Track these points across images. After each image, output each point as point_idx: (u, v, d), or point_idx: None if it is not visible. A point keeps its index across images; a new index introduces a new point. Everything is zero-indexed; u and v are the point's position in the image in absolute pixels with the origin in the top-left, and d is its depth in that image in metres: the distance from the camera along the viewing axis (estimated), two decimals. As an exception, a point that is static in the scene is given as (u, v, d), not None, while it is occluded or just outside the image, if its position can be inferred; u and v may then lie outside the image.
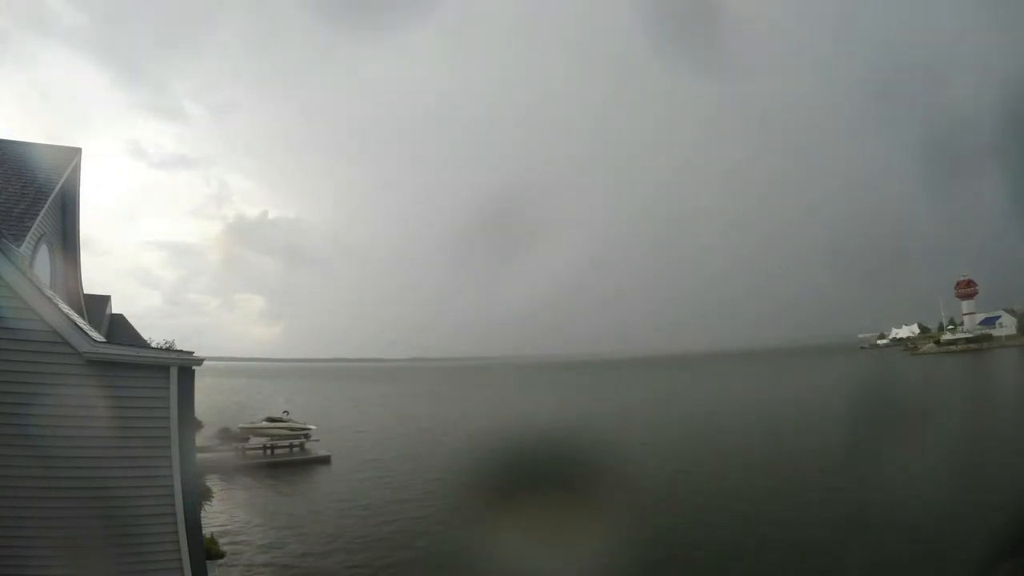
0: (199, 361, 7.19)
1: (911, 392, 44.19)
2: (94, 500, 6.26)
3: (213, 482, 21.88)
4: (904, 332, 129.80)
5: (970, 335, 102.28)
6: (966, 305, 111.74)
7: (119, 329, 16.33)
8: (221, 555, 14.17)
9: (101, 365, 6.58)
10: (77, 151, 11.41)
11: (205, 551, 8.69)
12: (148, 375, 6.86)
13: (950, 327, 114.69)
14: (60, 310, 6.75)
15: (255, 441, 30.45)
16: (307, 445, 30.95)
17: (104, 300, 16.31)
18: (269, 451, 29.93)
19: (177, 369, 6.91)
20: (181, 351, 7.55)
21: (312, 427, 32.21)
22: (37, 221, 8.67)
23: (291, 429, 31.28)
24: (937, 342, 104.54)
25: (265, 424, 31.21)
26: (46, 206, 9.18)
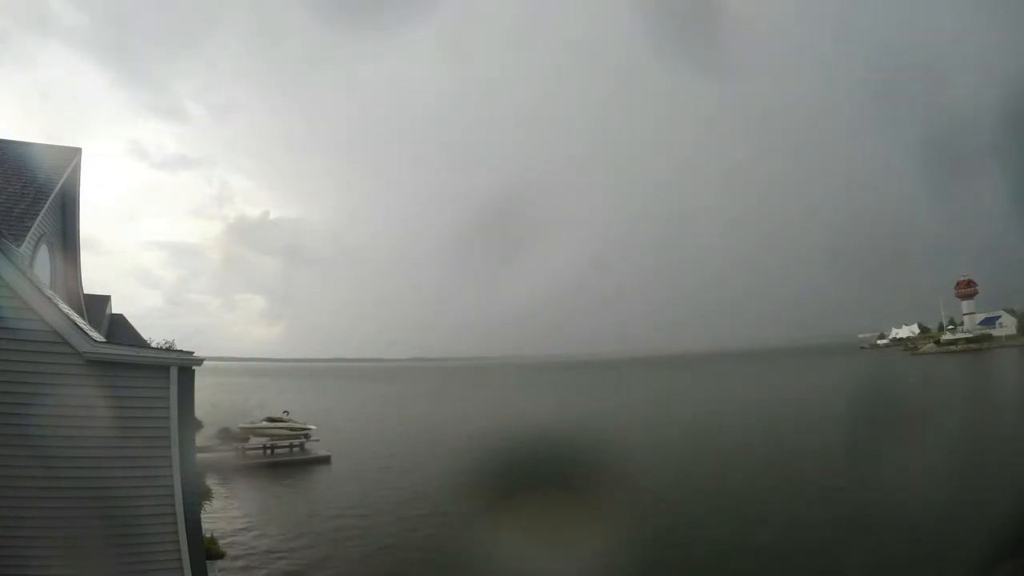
0: (199, 361, 7.19)
1: (911, 392, 44.18)
2: (94, 500, 6.26)
3: (213, 482, 21.88)
4: (904, 332, 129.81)
5: (970, 335, 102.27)
6: (966, 305, 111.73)
7: (119, 329, 16.33)
8: (221, 555, 14.17)
9: (101, 365, 6.59)
10: (77, 151, 11.42)
11: (205, 551, 8.69)
12: (148, 375, 6.86)
13: (950, 327, 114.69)
14: (60, 310, 6.75)
15: (255, 441, 30.46)
16: (307, 445, 30.96)
17: (104, 300, 16.32)
18: (269, 451, 29.94)
19: (177, 369, 6.92)
20: (181, 351, 7.55)
21: (312, 427, 32.22)
22: (37, 221, 8.67)
23: (291, 429, 31.29)
24: (937, 342, 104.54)
25: (265, 424, 31.22)
26: (46, 206, 9.18)
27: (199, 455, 10.30)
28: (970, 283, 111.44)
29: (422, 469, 26.20)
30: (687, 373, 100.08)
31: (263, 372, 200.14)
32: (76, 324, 6.68)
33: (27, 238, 8.22)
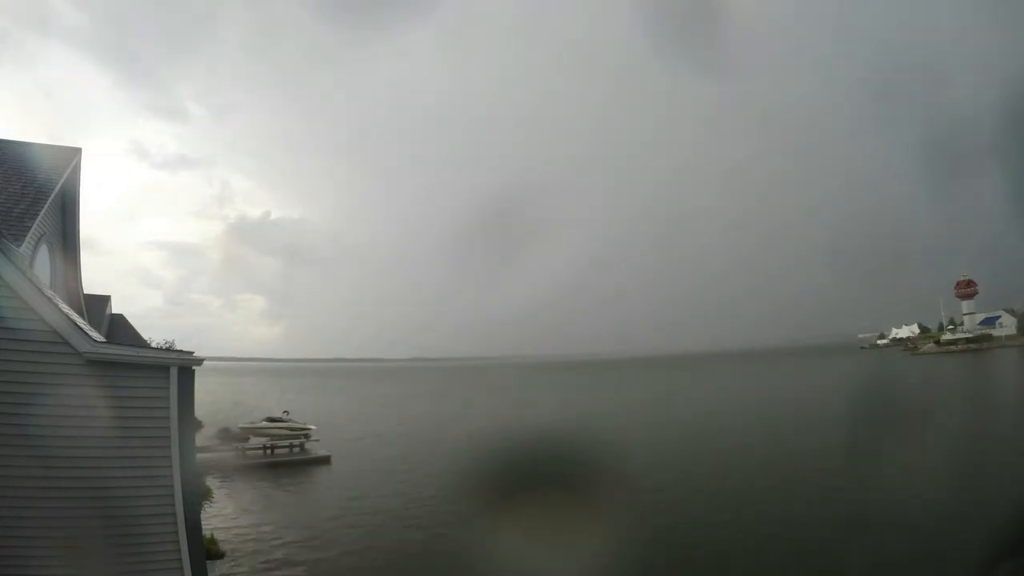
0: (199, 361, 7.19)
1: (911, 392, 44.17)
2: (94, 500, 6.26)
3: (213, 482, 21.90)
4: (904, 332, 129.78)
5: (970, 335, 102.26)
6: (966, 305, 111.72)
7: (119, 329, 16.35)
8: (221, 555, 14.17)
9: (101, 365, 6.59)
10: (77, 151, 11.43)
11: (205, 551, 8.69)
12: (148, 375, 6.86)
13: (950, 327, 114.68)
14: (60, 310, 6.75)
15: (255, 441, 30.45)
16: (307, 445, 30.96)
17: (104, 300, 16.33)
18: (269, 451, 29.93)
19: (177, 369, 6.92)
20: (181, 351, 7.55)
21: (312, 427, 32.22)
22: (37, 221, 8.68)
23: (291, 429, 31.28)
24: (937, 342, 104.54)
25: (265, 424, 31.21)
26: (46, 206, 9.19)
27: (199, 455, 10.30)
28: (970, 283, 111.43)
29: (422, 469, 26.19)
30: (687, 373, 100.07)
31: (263, 372, 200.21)
32: (76, 324, 6.68)
33: (27, 238, 8.23)
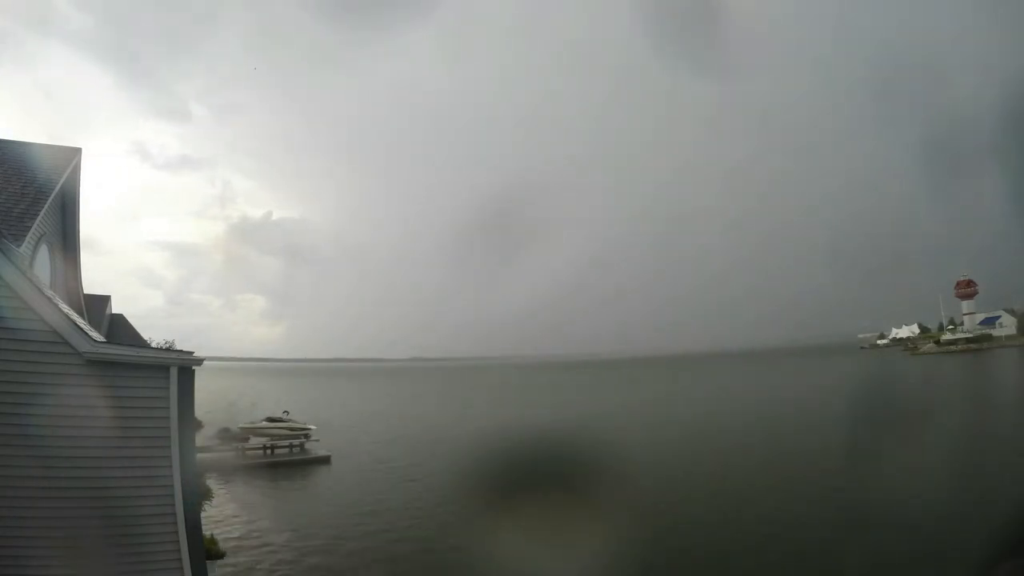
0: (199, 361, 7.19)
1: (911, 392, 44.17)
2: (94, 500, 6.26)
3: (213, 482, 21.89)
4: (904, 332, 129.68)
5: (970, 335, 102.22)
6: (966, 305, 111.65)
7: (119, 329, 16.34)
8: (221, 555, 14.18)
9: (101, 365, 6.58)
10: (77, 151, 11.42)
11: (205, 551, 8.69)
12: (148, 375, 6.86)
13: (950, 327, 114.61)
14: (60, 310, 6.75)
15: (255, 441, 30.46)
16: (307, 445, 30.96)
17: (104, 300, 16.32)
18: (269, 451, 29.94)
19: (177, 369, 6.92)
20: (181, 351, 7.55)
21: (312, 427, 32.22)
22: (37, 221, 8.67)
23: (291, 429, 31.29)
24: (937, 342, 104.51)
25: (265, 424, 31.22)
26: (46, 206, 9.19)
27: (199, 455, 10.30)
28: (970, 283, 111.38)
29: (422, 469, 26.20)
30: (687, 373, 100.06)
31: (264, 372, 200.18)
32: (76, 324, 6.68)
33: (27, 238, 8.22)
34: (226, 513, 18.84)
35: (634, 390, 71.69)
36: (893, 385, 49.76)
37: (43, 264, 10.07)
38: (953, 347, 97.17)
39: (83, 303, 12.94)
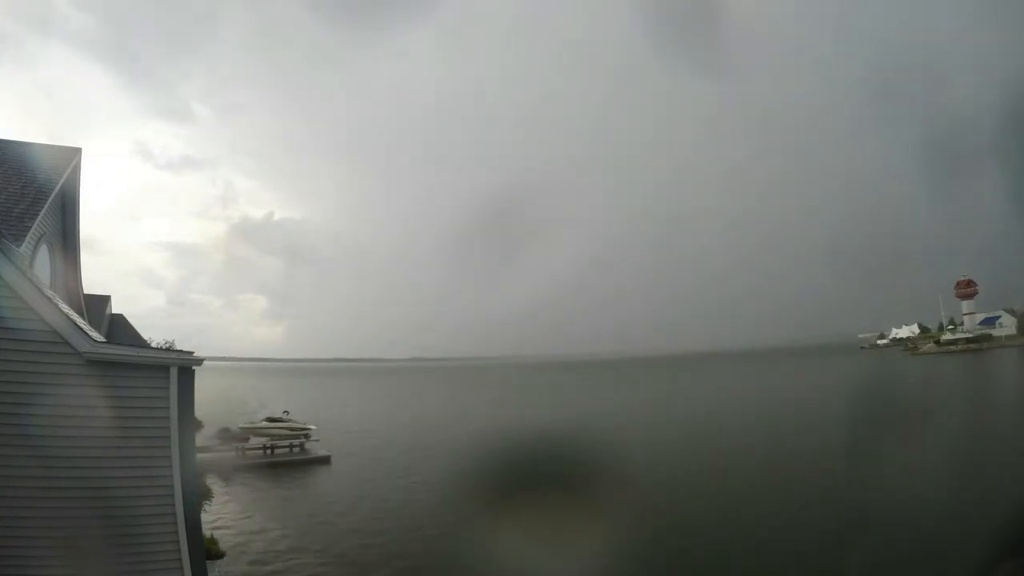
0: (199, 361, 7.19)
1: (911, 392, 44.16)
2: (94, 500, 6.26)
3: (213, 482, 21.87)
4: (904, 332, 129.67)
5: (970, 335, 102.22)
6: (966, 305, 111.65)
7: (119, 329, 16.33)
8: (221, 555, 14.17)
9: (101, 365, 6.59)
10: (77, 151, 11.42)
11: (205, 551, 8.69)
12: (148, 375, 6.86)
13: (950, 327, 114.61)
14: (60, 310, 6.75)
15: (255, 441, 30.46)
16: (307, 445, 30.96)
17: (104, 300, 16.31)
18: (269, 451, 29.94)
19: (177, 369, 6.92)
20: (181, 351, 7.55)
21: (312, 427, 32.23)
22: (37, 221, 8.67)
23: (291, 429, 31.29)
24: (937, 342, 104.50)
25: (265, 424, 31.22)
26: (46, 206, 9.19)
27: (199, 455, 10.29)
28: (970, 283, 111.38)
29: (422, 469, 26.20)
30: (687, 373, 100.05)
31: (264, 372, 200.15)
32: (76, 324, 6.68)
33: (27, 238, 8.22)
34: (226, 513, 18.85)
35: (634, 390, 71.68)
36: (893, 385, 49.75)
37: (43, 264, 10.07)
38: (953, 347, 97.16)
39: (83, 303, 12.94)
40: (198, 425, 12.62)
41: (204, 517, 11.20)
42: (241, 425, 31.32)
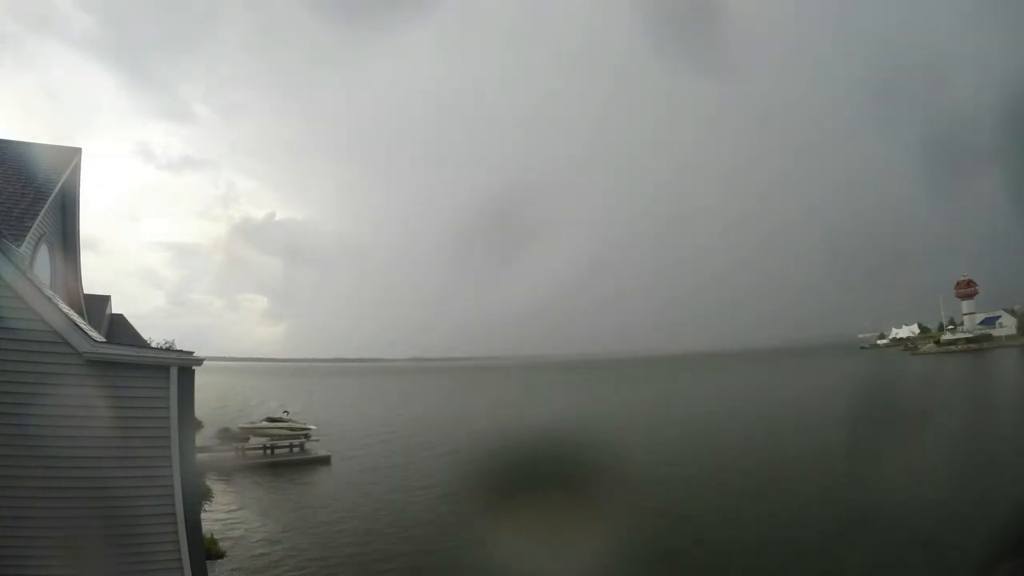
0: (199, 361, 7.19)
1: (911, 392, 44.18)
2: (94, 500, 6.26)
3: (213, 482, 21.89)
4: (904, 332, 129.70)
5: (970, 335, 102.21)
6: (966, 305, 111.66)
7: (119, 329, 16.33)
8: (221, 555, 14.18)
9: (101, 365, 6.58)
10: (77, 151, 11.42)
11: (205, 551, 8.69)
12: (148, 375, 6.86)
13: (950, 327, 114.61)
14: (60, 310, 6.75)
15: (255, 441, 30.46)
16: (307, 445, 30.96)
17: (104, 300, 16.31)
18: (269, 451, 29.94)
19: (177, 369, 6.92)
20: (181, 351, 7.55)
21: (312, 427, 32.23)
22: (37, 221, 8.67)
23: (291, 429, 31.29)
24: (937, 342, 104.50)
25: (265, 424, 31.23)
26: (46, 206, 9.18)
27: (199, 455, 10.30)
28: (970, 283, 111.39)
29: (422, 469, 26.19)
30: (687, 373, 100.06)
31: (264, 372, 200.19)
32: (76, 324, 6.68)
33: (27, 238, 8.22)
34: (226, 513, 18.85)
35: (634, 390, 71.68)
36: (893, 385, 49.79)
37: (43, 264, 10.07)
38: (953, 347, 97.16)
39: (83, 303, 12.94)
40: (198, 425, 12.64)
41: (204, 517, 11.20)
42: (241, 425, 31.33)
